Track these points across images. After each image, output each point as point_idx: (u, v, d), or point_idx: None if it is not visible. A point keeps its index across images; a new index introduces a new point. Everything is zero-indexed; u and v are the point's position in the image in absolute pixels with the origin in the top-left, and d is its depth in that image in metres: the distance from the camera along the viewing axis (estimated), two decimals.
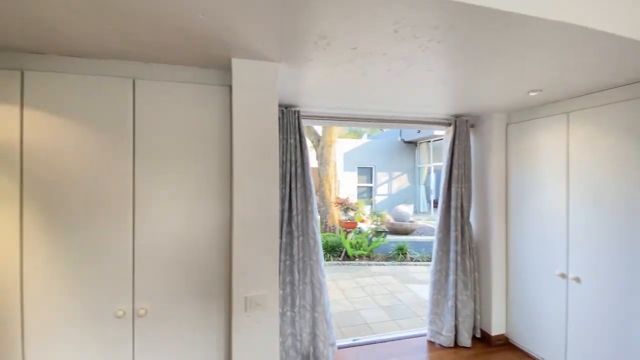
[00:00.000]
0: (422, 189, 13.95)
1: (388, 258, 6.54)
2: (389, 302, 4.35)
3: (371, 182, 13.94)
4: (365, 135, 17.31)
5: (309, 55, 1.53)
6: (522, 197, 2.79)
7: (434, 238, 3.04)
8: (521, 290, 2.81)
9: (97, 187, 1.61)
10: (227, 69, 1.75)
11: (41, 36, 1.37)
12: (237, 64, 1.60)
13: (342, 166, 13.01)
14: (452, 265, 2.91)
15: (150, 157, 1.68)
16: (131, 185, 1.65)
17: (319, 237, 2.63)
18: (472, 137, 3.08)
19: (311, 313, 2.59)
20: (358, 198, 12.41)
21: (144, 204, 1.67)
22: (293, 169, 2.49)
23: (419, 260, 6.32)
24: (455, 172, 2.91)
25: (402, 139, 14.24)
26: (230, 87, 1.78)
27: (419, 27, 1.27)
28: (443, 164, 3.00)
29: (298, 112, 2.50)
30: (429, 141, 13.19)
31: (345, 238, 6.86)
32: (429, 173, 13.77)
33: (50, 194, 1.56)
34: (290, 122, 2.48)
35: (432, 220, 11.47)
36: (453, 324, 2.91)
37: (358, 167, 13.64)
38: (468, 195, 2.96)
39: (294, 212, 2.50)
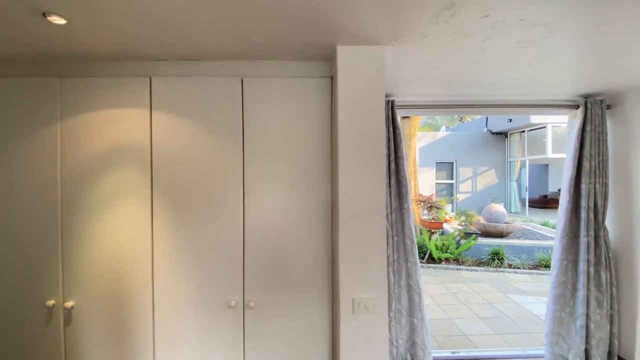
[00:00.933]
0: (514, 186, 12.33)
1: (480, 263, 5.88)
2: (488, 313, 3.88)
3: (452, 179, 12.84)
4: (443, 128, 16.08)
5: (425, 32, 1.35)
6: None
7: (554, 243, 2.55)
8: None
9: (213, 183, 1.70)
10: (327, 60, 1.68)
11: (166, 42, 1.48)
12: (342, 51, 1.51)
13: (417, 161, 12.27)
14: (582, 278, 2.39)
15: (256, 152, 1.71)
16: (241, 180, 1.70)
17: (415, 238, 2.42)
18: (608, 121, 2.49)
19: (407, 318, 2.40)
20: (436, 196, 11.57)
21: (253, 198, 1.71)
22: (386, 163, 2.33)
23: (519, 267, 5.54)
24: (586, 164, 2.38)
25: (489, 130, 12.76)
26: (331, 78, 1.71)
27: None
28: (567, 155, 2.48)
29: (392, 102, 2.32)
30: (523, 131, 11.54)
31: (429, 239, 6.40)
32: (522, 168, 12.11)
33: (173, 188, 1.69)
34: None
35: (528, 221, 10.08)
36: (582, 347, 2.40)
37: (436, 163, 12.68)
38: (604, 192, 2.40)
39: (388, 210, 2.34)
